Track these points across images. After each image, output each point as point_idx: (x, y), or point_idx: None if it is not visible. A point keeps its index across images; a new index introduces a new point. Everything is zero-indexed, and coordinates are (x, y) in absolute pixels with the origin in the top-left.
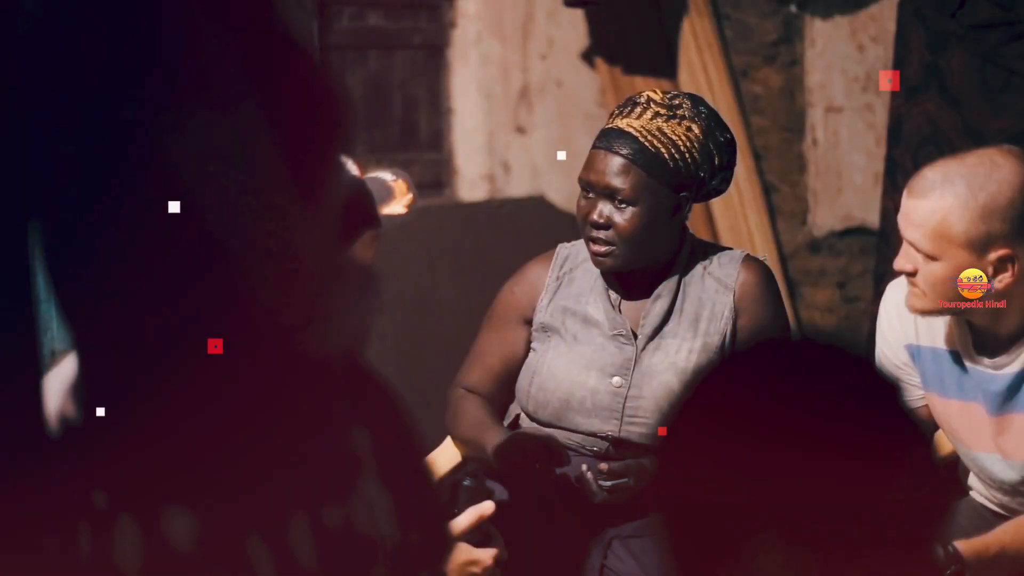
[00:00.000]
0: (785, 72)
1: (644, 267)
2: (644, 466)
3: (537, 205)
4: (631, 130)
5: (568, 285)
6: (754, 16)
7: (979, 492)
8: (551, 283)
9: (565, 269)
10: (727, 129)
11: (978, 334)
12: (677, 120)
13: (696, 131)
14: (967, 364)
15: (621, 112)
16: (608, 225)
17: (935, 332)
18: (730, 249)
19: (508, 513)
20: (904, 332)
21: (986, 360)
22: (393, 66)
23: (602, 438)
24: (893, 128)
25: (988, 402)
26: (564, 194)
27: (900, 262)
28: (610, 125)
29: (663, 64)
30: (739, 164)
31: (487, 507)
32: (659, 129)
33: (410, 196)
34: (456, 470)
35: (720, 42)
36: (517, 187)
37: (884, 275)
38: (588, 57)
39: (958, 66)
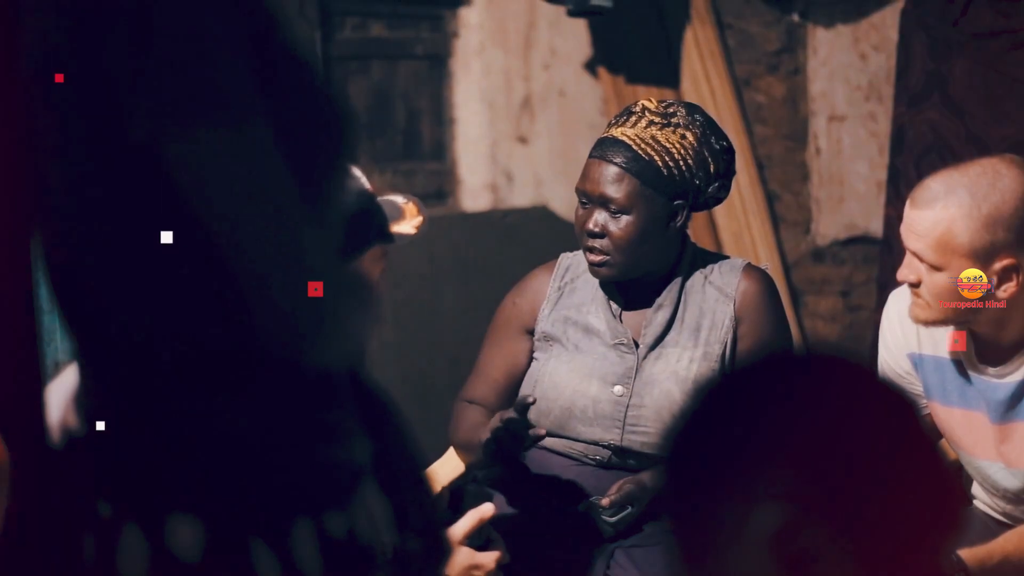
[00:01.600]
0: (788, 81)
1: (643, 276)
2: (644, 485)
3: (540, 215)
4: (625, 139)
5: (570, 295)
6: (756, 25)
7: (982, 501)
8: (552, 293)
9: (567, 279)
10: (724, 136)
11: (981, 343)
12: (671, 128)
13: (690, 138)
14: (970, 373)
15: (617, 122)
16: (603, 234)
17: (937, 341)
18: (731, 258)
19: (511, 519)
20: (906, 341)
21: (989, 369)
22: (396, 76)
23: (604, 447)
24: (896, 137)
25: (991, 410)
26: (567, 204)
27: (903, 273)
28: (605, 135)
29: (666, 73)
30: (742, 173)
31: (487, 509)
32: (653, 137)
33: (420, 218)
34: (458, 480)
35: (723, 51)
36: (520, 197)
37: (887, 284)
38: (591, 67)
39: (961, 74)
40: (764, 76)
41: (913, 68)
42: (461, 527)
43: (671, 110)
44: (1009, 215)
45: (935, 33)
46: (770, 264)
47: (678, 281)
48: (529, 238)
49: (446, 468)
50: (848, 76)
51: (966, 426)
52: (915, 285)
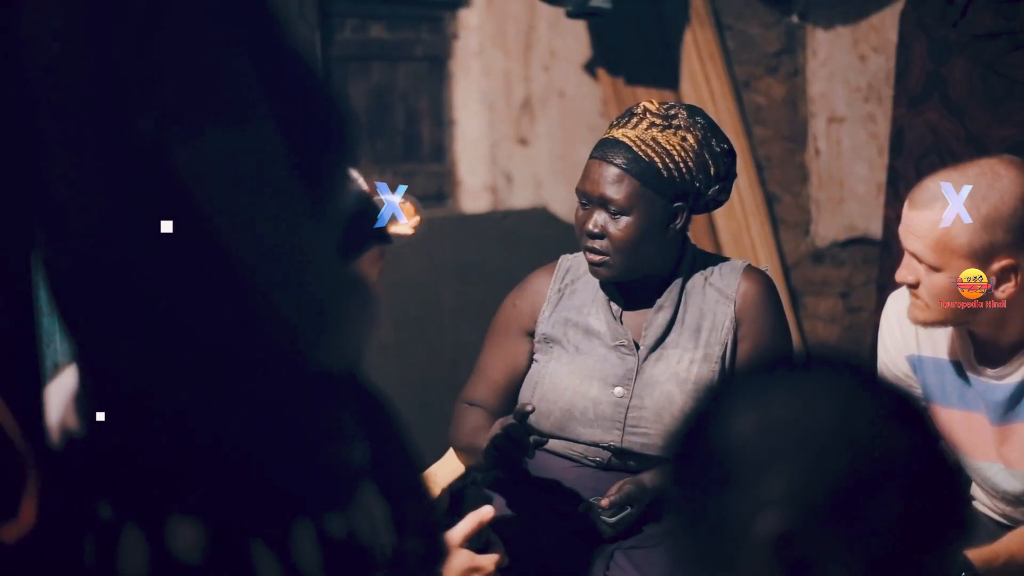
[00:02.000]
0: (787, 82)
1: (642, 277)
2: (644, 486)
3: (539, 216)
4: (626, 140)
5: (570, 296)
6: (756, 26)
7: (981, 502)
8: (553, 295)
9: (567, 280)
10: (725, 139)
11: (980, 344)
12: (672, 130)
13: (691, 141)
14: (969, 374)
15: (618, 123)
16: (603, 235)
17: (936, 342)
18: (731, 260)
19: (510, 522)
20: (905, 343)
21: (988, 370)
22: (395, 77)
23: (604, 448)
24: (895, 138)
25: (990, 412)
26: (566, 205)
27: (902, 273)
28: (606, 136)
29: (665, 75)
30: (741, 174)
31: (486, 512)
32: (653, 139)
33: (418, 218)
34: (458, 481)
35: (722, 52)
36: (519, 198)
37: (887, 285)
38: (590, 68)
39: (960, 75)
40: (763, 77)
41: (913, 69)
42: (460, 530)
43: (672, 112)
44: (1008, 215)
45: (935, 34)
46: (770, 266)
47: (678, 282)
48: (528, 239)
49: (445, 470)
50: (848, 77)
51: (965, 428)
52: (914, 286)
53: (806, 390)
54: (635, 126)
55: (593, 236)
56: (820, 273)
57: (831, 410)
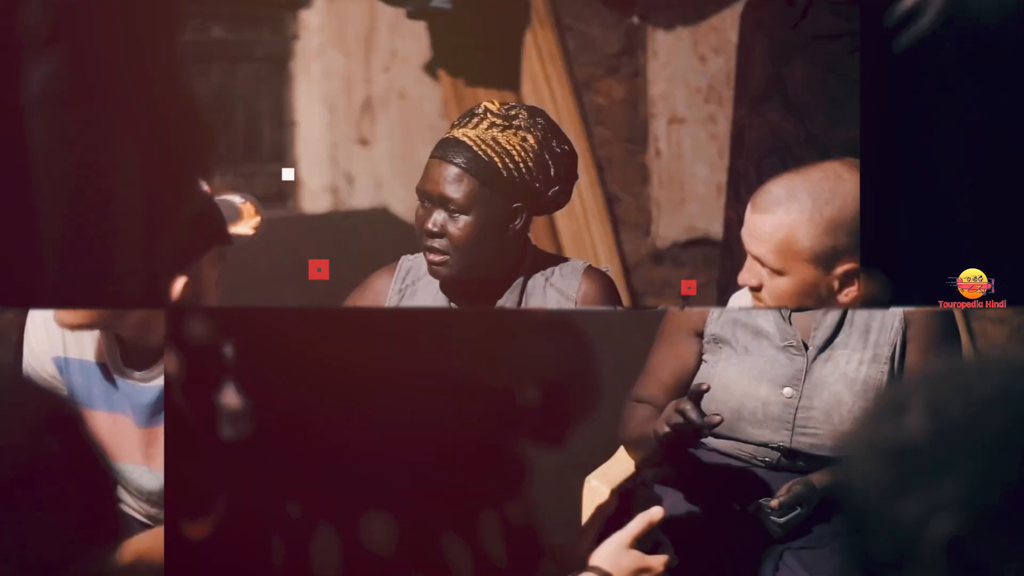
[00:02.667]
0: (627, 83)
1: (482, 277)
2: (813, 487)
3: (380, 217)
4: (466, 140)
5: (411, 297)
6: (596, 27)
7: None
8: (393, 295)
9: (407, 281)
10: (566, 140)
11: (126, 346)
12: (512, 130)
13: (531, 141)
14: (116, 377)
15: (459, 123)
16: (442, 234)
17: (84, 345)
18: (572, 260)
19: (680, 522)
20: (52, 345)
21: (136, 373)
22: (236, 78)
23: (773, 448)
24: (736, 139)
25: (137, 414)
26: (407, 205)
27: (744, 277)
28: (447, 135)
29: (506, 76)
30: (582, 175)
31: (656, 513)
32: (494, 139)
33: (258, 219)
34: (629, 480)
35: (562, 53)
36: (360, 199)
37: (728, 286)
38: (431, 69)
39: (801, 77)
40: (604, 78)
41: (753, 70)
42: (630, 530)
43: (513, 112)
44: (851, 219)
45: (775, 36)
46: (611, 266)
47: (519, 283)
48: (370, 240)
49: (615, 470)
50: (688, 79)
51: (112, 430)
52: (756, 289)
53: (980, 392)
54: (476, 126)
55: (432, 235)
56: (661, 274)
57: (1006, 412)
